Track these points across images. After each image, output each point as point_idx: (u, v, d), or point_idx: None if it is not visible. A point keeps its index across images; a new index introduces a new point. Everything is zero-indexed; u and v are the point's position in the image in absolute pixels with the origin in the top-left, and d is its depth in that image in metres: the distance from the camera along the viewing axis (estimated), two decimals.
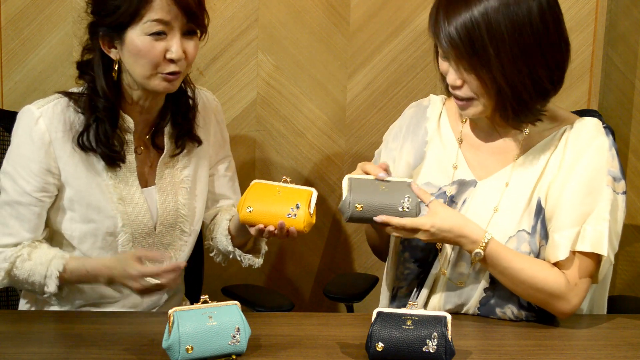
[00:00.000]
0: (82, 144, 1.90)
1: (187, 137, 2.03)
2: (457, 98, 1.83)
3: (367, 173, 1.83)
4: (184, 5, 1.84)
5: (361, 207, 1.77)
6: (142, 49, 1.84)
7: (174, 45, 1.85)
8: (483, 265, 1.82)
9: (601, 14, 2.58)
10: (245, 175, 2.68)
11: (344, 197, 1.79)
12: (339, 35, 2.62)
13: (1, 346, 1.70)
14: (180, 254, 2.06)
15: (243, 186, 2.55)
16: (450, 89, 1.84)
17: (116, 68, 1.89)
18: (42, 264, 1.88)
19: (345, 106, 2.66)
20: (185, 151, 2.04)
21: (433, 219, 1.77)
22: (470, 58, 1.74)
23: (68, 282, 1.91)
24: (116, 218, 1.94)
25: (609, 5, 2.63)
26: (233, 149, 2.66)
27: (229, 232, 2.05)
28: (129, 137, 1.95)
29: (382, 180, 1.80)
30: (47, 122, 1.89)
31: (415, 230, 1.77)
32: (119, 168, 1.94)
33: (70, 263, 1.89)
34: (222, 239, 2.05)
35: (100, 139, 1.90)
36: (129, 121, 1.94)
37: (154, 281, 1.80)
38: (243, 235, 2.02)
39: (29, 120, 1.90)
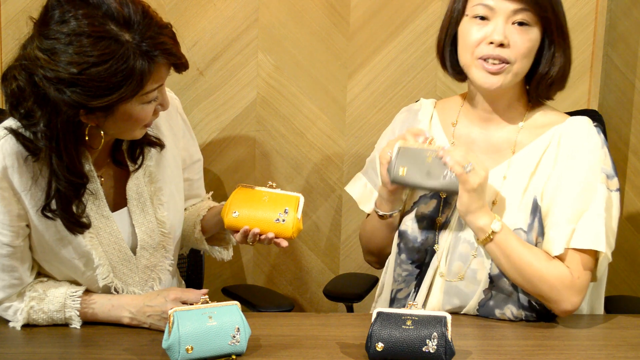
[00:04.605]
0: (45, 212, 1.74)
1: (146, 146, 1.87)
2: (495, 59, 1.83)
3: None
4: (176, 63, 1.71)
5: (404, 170, 1.79)
6: (138, 117, 1.71)
7: (165, 100, 1.75)
8: (492, 248, 1.81)
9: (601, 14, 2.58)
10: (245, 176, 2.68)
11: (391, 162, 1.81)
12: (339, 35, 2.62)
13: (1, 346, 1.70)
14: (166, 274, 1.94)
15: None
16: (487, 51, 1.83)
17: (87, 132, 1.72)
18: (58, 311, 1.79)
19: (345, 106, 2.66)
20: (152, 164, 1.89)
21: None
22: (537, 13, 1.82)
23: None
24: (91, 253, 1.80)
25: (609, 5, 2.63)
26: (233, 149, 2.67)
27: (202, 230, 2.02)
28: (88, 167, 1.77)
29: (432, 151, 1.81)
30: (1, 170, 1.71)
31: (465, 151, 1.78)
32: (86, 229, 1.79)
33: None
34: (190, 236, 2.03)
35: (62, 205, 1.73)
36: (86, 156, 1.78)
37: None
38: (214, 231, 2.02)
39: None
